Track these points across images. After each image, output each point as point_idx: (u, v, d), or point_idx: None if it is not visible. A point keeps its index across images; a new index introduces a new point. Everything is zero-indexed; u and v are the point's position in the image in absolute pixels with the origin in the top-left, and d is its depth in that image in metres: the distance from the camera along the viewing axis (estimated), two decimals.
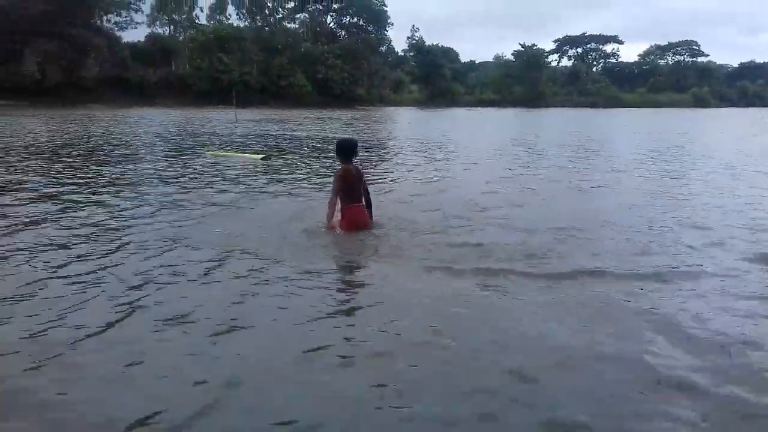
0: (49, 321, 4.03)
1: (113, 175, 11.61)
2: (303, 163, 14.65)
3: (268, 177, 11.57)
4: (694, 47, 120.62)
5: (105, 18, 76.54)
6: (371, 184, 8.94)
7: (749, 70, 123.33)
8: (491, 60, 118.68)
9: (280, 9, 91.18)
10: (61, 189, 9.78)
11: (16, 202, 8.53)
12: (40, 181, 10.55)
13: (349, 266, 5.57)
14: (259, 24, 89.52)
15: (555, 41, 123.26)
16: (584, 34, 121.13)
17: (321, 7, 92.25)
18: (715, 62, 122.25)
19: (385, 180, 11.58)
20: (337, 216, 6.44)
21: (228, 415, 2.90)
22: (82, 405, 3.00)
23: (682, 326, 4.07)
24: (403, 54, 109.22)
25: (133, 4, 78.90)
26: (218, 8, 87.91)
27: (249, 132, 25.44)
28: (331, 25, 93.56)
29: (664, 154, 18.35)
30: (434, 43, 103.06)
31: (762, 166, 14.61)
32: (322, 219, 6.65)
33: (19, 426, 2.83)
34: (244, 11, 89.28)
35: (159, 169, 12.74)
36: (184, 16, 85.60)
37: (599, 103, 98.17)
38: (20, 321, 4.04)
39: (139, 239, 6.33)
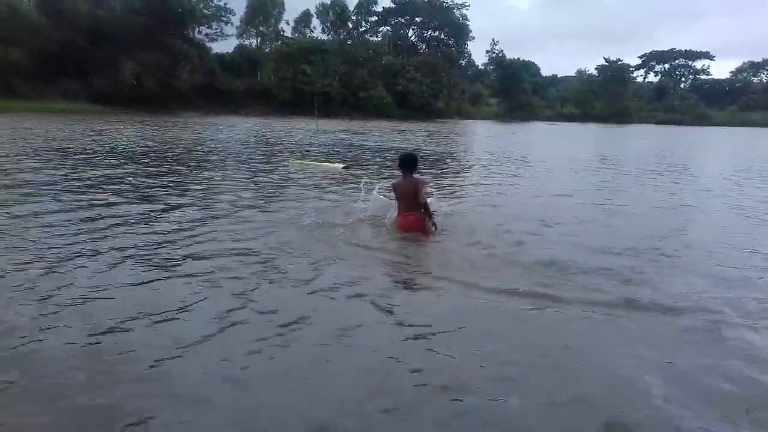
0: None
1: (207, 179, 12.21)
2: (381, 172, 14.85)
3: (350, 185, 11.94)
4: None
5: (197, 30, 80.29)
6: (447, 196, 9.16)
7: None
8: (573, 74, 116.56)
9: (363, 22, 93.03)
10: (172, 191, 10.50)
11: (118, 203, 9.13)
12: (146, 183, 11.31)
13: (420, 285, 5.26)
14: (343, 37, 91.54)
15: (641, 56, 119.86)
16: (672, 49, 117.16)
17: (403, 21, 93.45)
18: None
19: (460, 191, 11.64)
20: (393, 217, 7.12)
21: None
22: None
23: None
24: (483, 67, 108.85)
25: (224, 17, 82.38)
26: (303, 21, 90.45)
27: (330, 142, 26.02)
28: (412, 38, 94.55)
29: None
30: (515, 57, 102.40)
31: None
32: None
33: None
34: (329, 24, 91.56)
35: (247, 176, 13.20)
36: (271, 29, 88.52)
37: (685, 121, 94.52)
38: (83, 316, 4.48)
39: (247, 246, 6.55)
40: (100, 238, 6.48)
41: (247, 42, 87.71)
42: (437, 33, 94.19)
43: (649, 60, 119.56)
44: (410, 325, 4.23)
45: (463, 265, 5.72)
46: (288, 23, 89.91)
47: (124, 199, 9.20)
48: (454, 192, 11.55)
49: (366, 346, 3.87)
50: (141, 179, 11.77)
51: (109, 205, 8.73)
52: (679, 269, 5.96)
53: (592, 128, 63.89)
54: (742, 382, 3.44)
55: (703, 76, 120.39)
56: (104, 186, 10.61)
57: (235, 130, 33.24)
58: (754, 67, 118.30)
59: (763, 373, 3.55)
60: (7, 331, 3.88)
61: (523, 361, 3.68)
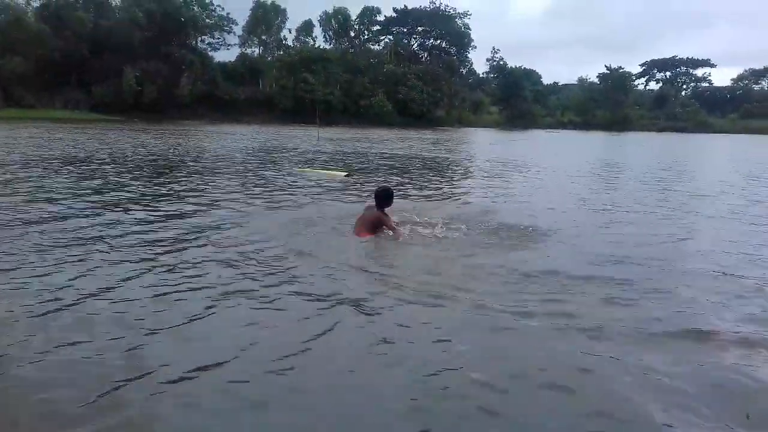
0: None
1: (212, 187, 12.19)
2: (382, 179, 14.97)
3: (353, 191, 12.11)
4: None
5: (199, 39, 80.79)
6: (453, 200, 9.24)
7: None
8: (575, 82, 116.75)
9: (366, 31, 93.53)
10: (175, 197, 10.47)
11: (129, 209, 9.12)
12: (151, 190, 11.29)
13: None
14: (345, 46, 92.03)
15: (642, 64, 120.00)
16: (674, 57, 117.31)
17: (405, 30, 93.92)
18: None
19: (464, 197, 11.63)
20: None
21: None
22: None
23: None
24: (483, 75, 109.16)
25: (226, 27, 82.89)
26: (304, 30, 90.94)
27: (331, 150, 26.15)
28: (414, 47, 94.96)
29: None
30: (516, 65, 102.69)
31: None
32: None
33: None
34: (331, 33, 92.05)
35: (252, 183, 13.28)
36: (273, 38, 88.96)
37: (687, 128, 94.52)
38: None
39: (255, 249, 6.55)
40: (112, 245, 6.55)
41: (249, 51, 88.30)
42: (439, 42, 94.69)
43: (651, 68, 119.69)
44: (436, 341, 4.17)
45: (466, 278, 5.68)
46: (290, 32, 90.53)
47: (136, 207, 9.28)
48: (457, 198, 11.65)
49: (399, 360, 3.88)
50: (147, 186, 11.90)
51: (126, 210, 8.96)
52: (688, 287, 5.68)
53: (594, 136, 63.81)
54: None
55: (704, 84, 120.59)
56: (117, 193, 10.73)
57: (238, 139, 33.39)
58: (755, 75, 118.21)
59: None
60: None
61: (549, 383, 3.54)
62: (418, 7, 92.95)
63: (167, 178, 13.93)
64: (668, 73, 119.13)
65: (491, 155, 27.14)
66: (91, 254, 6.20)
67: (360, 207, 9.81)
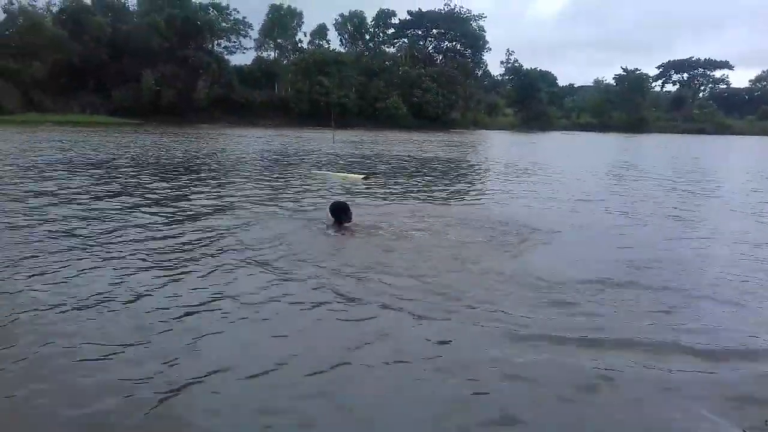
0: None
1: (232, 189, 12.25)
2: (399, 183, 14.96)
3: (370, 194, 12.12)
4: None
5: (216, 43, 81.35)
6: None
7: None
8: (590, 84, 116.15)
9: (381, 34, 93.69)
10: (193, 199, 10.59)
11: (152, 211, 9.15)
12: (174, 191, 11.36)
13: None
14: (360, 48, 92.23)
15: (659, 66, 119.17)
16: (691, 58, 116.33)
17: (420, 33, 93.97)
18: None
19: (481, 198, 11.49)
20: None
21: None
22: None
23: None
24: (499, 77, 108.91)
25: (242, 30, 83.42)
26: (318, 34, 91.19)
27: (347, 152, 26.20)
28: (429, 49, 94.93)
29: None
30: (532, 67, 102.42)
31: None
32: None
33: None
34: (347, 36, 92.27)
35: (270, 185, 13.33)
36: (289, 41, 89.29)
37: (706, 130, 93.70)
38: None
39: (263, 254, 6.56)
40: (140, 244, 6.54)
41: (264, 54, 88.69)
42: (453, 44, 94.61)
43: (667, 70, 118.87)
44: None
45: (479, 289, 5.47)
46: (306, 35, 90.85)
47: (159, 208, 9.35)
48: (472, 201, 11.62)
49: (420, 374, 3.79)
50: (173, 188, 11.98)
51: (151, 212, 9.08)
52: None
53: (611, 138, 63.39)
54: None
55: (722, 86, 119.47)
56: (141, 195, 10.77)
57: (255, 142, 33.55)
58: None
59: None
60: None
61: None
62: (433, 9, 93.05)
63: (190, 181, 14.02)
64: (685, 75, 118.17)
65: (507, 157, 27.04)
66: (115, 258, 6.24)
67: (379, 210, 9.85)
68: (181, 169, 16.87)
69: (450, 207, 10.83)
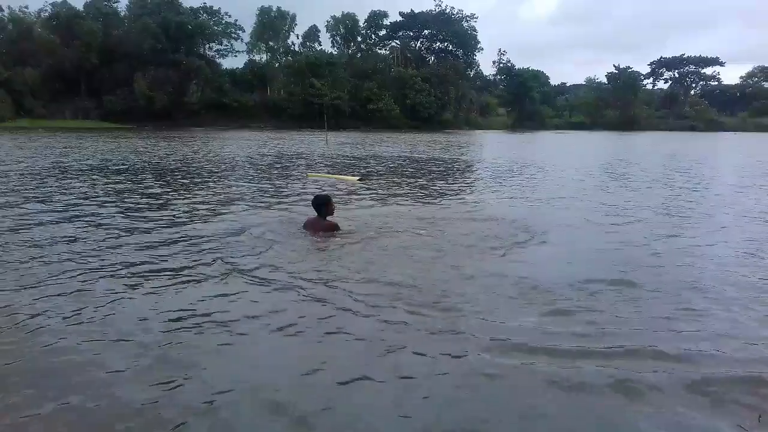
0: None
1: (224, 194, 12.23)
2: (394, 184, 14.96)
3: (365, 195, 12.14)
4: None
5: (207, 46, 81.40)
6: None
7: None
8: (583, 82, 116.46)
9: (373, 36, 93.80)
10: (188, 202, 10.48)
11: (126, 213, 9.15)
12: (168, 196, 11.34)
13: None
14: (352, 50, 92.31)
15: (650, 64, 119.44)
16: (682, 55, 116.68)
17: (412, 34, 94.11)
18: None
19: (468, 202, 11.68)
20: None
21: None
22: None
23: None
24: (491, 77, 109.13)
25: (234, 33, 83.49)
26: (310, 36, 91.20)
27: (341, 154, 26.21)
28: (421, 50, 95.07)
29: None
30: (524, 66, 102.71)
31: None
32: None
33: None
34: (339, 38, 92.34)
35: (266, 188, 13.32)
36: (281, 44, 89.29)
37: (699, 127, 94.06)
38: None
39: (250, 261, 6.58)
40: (130, 249, 6.53)
41: (257, 57, 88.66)
42: (445, 44, 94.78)
43: (659, 67, 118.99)
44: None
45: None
46: (298, 37, 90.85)
47: (155, 213, 9.19)
48: (463, 201, 11.65)
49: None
50: (167, 193, 11.80)
51: (144, 218, 8.89)
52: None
53: (604, 136, 63.37)
54: None
55: (714, 83, 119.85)
56: (137, 200, 10.66)
57: (248, 145, 33.39)
58: (764, 72, 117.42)
59: None
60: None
61: None
62: (424, 10, 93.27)
63: (180, 186, 13.92)
64: (677, 72, 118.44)
65: (499, 157, 26.96)
66: (98, 270, 6.06)
67: (374, 211, 9.83)
68: (171, 174, 16.82)
69: (441, 208, 10.64)
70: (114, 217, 9.06)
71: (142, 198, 11.36)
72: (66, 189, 12.39)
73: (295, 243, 7.18)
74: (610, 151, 35.68)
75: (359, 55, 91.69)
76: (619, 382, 3.53)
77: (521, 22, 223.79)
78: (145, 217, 9.15)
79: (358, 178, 15.41)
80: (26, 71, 63.47)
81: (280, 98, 78.66)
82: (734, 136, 72.55)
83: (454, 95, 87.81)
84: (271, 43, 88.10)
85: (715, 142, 53.48)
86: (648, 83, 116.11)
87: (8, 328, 4.25)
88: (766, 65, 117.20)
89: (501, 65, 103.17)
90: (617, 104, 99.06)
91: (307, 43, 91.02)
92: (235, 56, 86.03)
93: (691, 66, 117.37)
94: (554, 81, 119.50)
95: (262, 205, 10.65)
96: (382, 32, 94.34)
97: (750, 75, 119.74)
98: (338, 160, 22.57)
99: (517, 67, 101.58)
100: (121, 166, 18.15)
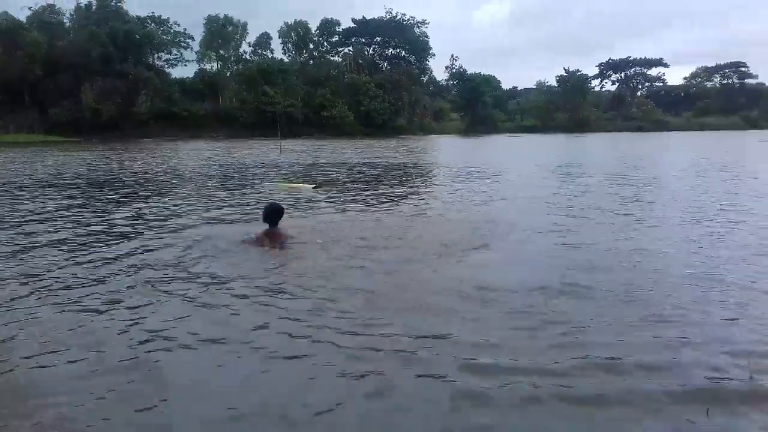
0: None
1: (175, 207, 11.96)
2: (349, 190, 15.02)
3: (322, 202, 12.19)
4: (743, 68, 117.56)
5: (156, 56, 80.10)
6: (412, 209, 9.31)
7: None
8: (534, 86, 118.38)
9: (325, 43, 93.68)
10: (140, 216, 10.31)
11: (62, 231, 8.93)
12: (115, 212, 11.06)
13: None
14: (304, 57, 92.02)
15: (598, 65, 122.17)
16: (628, 57, 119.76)
17: (364, 40, 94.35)
18: (765, 84, 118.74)
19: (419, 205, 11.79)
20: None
21: None
22: None
23: None
24: (444, 83, 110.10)
25: (183, 42, 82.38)
26: (261, 44, 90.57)
27: (294, 162, 26.12)
28: (373, 56, 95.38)
29: None
30: (476, 71, 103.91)
31: None
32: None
33: None
34: (290, 45, 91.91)
35: (220, 198, 13.21)
36: (232, 52, 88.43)
37: (646, 128, 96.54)
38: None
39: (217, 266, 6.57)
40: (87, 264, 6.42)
41: (207, 66, 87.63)
42: (398, 50, 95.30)
43: (606, 69, 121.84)
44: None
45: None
46: (250, 45, 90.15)
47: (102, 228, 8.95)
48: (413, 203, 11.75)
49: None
50: (111, 208, 11.44)
51: (91, 234, 8.71)
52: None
53: (555, 138, 64.59)
54: None
55: (659, 84, 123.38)
56: (87, 218, 10.27)
57: (199, 155, 32.93)
58: (707, 72, 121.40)
59: None
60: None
61: None
62: (375, 17, 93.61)
63: (125, 199, 13.72)
64: (623, 74, 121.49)
65: (453, 161, 27.27)
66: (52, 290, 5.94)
67: (332, 217, 9.83)
68: (124, 187, 16.47)
69: (399, 214, 10.75)
70: (60, 232, 8.90)
71: (93, 214, 11.03)
72: (15, 206, 12.04)
73: (248, 255, 7.13)
74: (561, 153, 36.45)
75: (312, 62, 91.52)
76: (588, 395, 3.51)
77: (474, 28, 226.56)
78: (93, 232, 8.98)
79: (313, 186, 15.42)
80: None
81: (232, 107, 77.83)
82: (679, 135, 74.71)
83: (408, 101, 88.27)
84: (221, 52, 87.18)
85: (662, 141, 54.99)
86: (596, 85, 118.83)
87: None
88: (708, 65, 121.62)
89: (453, 71, 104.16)
90: (567, 107, 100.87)
91: (259, 51, 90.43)
92: (185, 65, 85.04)
93: (637, 67, 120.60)
94: (506, 85, 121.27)
95: (214, 217, 10.54)
96: (335, 39, 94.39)
97: (693, 75, 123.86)
98: (293, 169, 22.48)
99: (469, 72, 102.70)
100: (71, 182, 17.68)
